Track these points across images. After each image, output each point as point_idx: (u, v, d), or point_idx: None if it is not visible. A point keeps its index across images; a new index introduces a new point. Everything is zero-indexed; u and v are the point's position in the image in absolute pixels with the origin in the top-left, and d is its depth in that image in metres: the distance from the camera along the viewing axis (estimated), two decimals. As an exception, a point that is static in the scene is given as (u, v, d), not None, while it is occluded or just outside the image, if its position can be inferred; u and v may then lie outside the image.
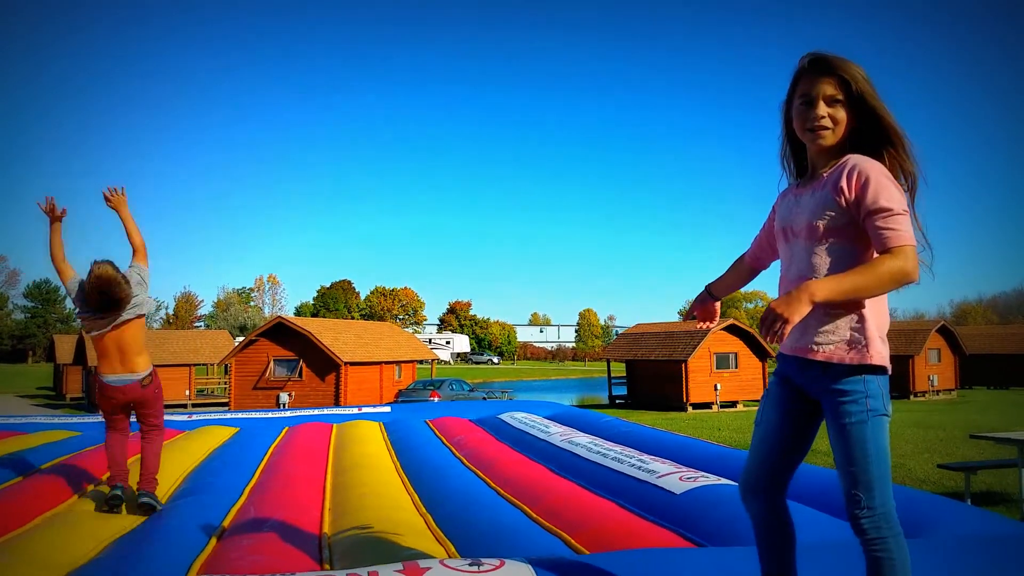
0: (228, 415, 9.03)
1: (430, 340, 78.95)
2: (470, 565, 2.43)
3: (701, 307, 2.66)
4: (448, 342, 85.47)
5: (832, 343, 1.99)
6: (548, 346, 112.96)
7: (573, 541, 3.53)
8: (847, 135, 2.08)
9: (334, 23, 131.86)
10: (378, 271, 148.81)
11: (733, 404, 31.94)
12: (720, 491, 3.83)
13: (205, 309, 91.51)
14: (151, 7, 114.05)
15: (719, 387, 31.33)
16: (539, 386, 55.96)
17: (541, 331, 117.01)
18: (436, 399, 25.78)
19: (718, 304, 2.66)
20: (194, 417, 8.80)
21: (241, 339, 35.02)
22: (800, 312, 1.84)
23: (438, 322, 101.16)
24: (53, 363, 46.37)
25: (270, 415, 9.12)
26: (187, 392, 37.32)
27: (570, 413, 8.30)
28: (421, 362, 37.28)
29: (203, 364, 38.94)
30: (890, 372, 2.00)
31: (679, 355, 30.98)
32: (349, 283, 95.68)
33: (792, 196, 2.18)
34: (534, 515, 4.06)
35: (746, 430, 19.83)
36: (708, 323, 2.70)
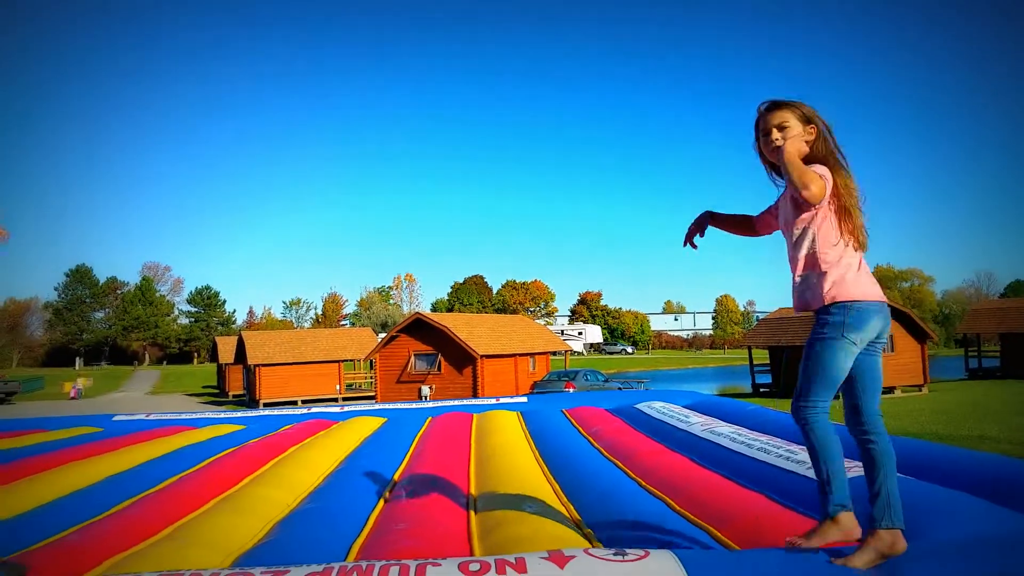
0: (376, 407, 9.48)
1: (562, 331, 79.17)
2: (615, 555, 2.43)
3: (698, 226, 3.12)
4: (580, 333, 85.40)
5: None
6: (683, 334, 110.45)
7: (719, 534, 3.45)
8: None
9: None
10: (509, 265, 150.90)
11: (891, 390, 29.99)
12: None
13: (349, 308, 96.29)
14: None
15: None
16: (676, 375, 54.88)
17: (676, 319, 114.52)
18: (571, 390, 25.87)
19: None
20: (346, 409, 9.31)
21: (383, 335, 36.56)
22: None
23: (569, 313, 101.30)
24: (216, 363, 50.18)
25: (414, 406, 9.48)
26: (337, 387, 39.42)
27: (710, 402, 8.09)
28: (555, 353, 37.50)
29: (350, 360, 40.97)
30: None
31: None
32: (481, 278, 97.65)
33: (783, 199, 2.81)
34: (677, 507, 4.00)
35: (903, 416, 18.57)
36: (692, 242, 3.13)
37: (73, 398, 46.69)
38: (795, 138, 2.67)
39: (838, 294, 2.58)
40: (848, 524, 2.57)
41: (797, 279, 2.70)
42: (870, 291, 2.61)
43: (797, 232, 2.69)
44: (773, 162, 2.78)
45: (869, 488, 2.57)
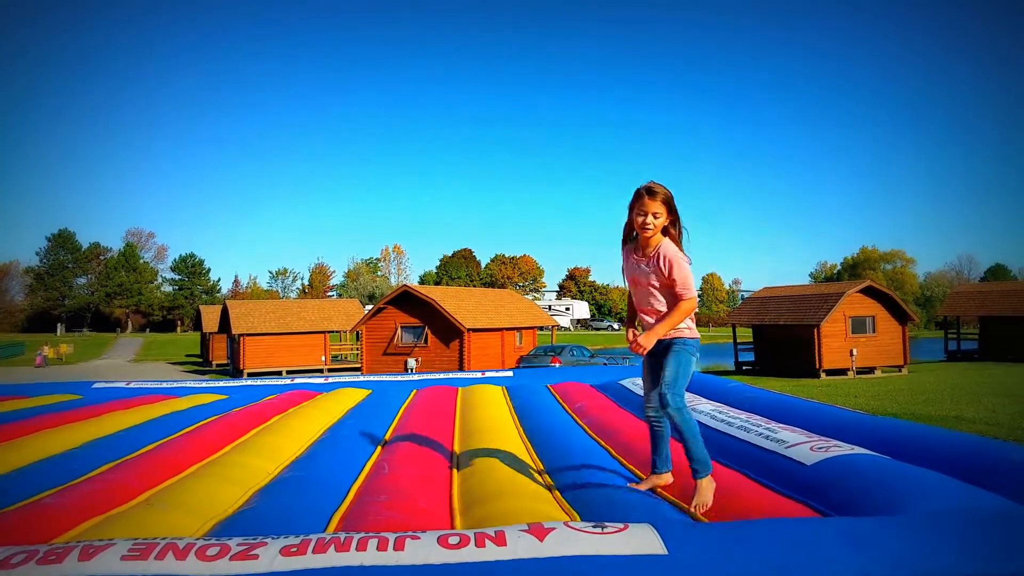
0: (361, 378, 9.47)
1: (549, 307, 79.35)
2: (594, 527, 2.44)
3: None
4: (568, 308, 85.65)
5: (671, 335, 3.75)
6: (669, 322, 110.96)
7: (697, 512, 3.49)
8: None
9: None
10: (498, 239, 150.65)
11: (871, 370, 30.34)
12: (855, 461, 3.63)
13: (337, 279, 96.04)
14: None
15: (855, 352, 29.79)
16: (661, 352, 55.10)
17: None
18: (557, 365, 25.97)
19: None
20: (330, 380, 9.29)
21: (370, 307, 36.49)
22: (651, 344, 3.66)
23: (557, 288, 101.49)
24: (200, 332, 49.94)
25: (400, 378, 9.48)
26: (322, 357, 39.39)
27: (693, 379, 8.11)
28: (541, 328, 37.60)
29: (336, 331, 40.91)
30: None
31: (811, 319, 29.69)
32: (470, 252, 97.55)
33: (634, 260, 3.78)
34: (657, 481, 4.02)
35: (883, 396, 18.82)
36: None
37: (39, 366, 44.62)
38: (665, 229, 3.67)
39: (690, 332, 3.77)
40: (668, 478, 3.90)
41: (653, 320, 3.72)
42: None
43: (656, 292, 3.71)
44: (635, 229, 3.70)
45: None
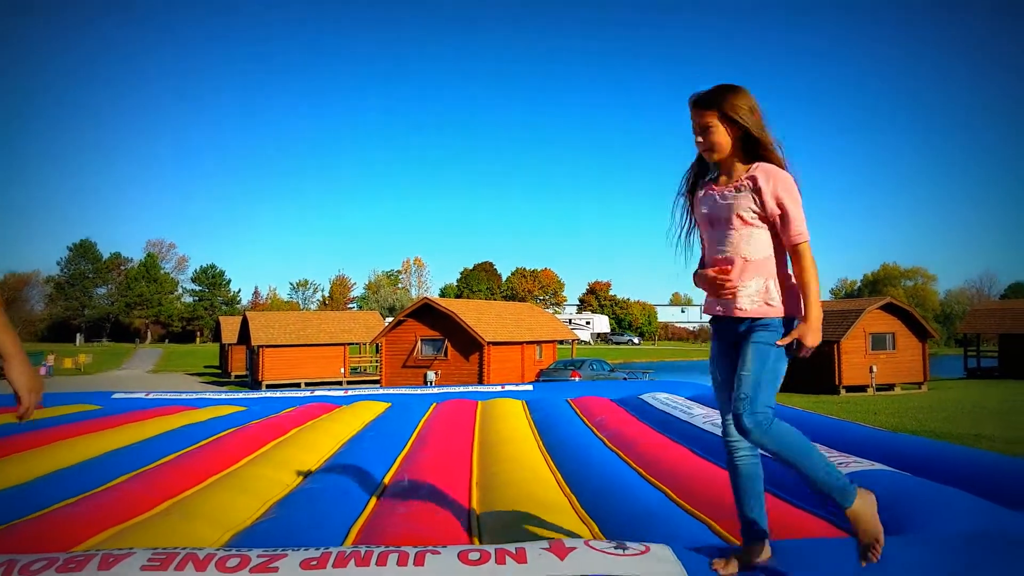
0: (380, 391, 9.48)
1: (570, 320, 79.19)
2: (615, 548, 2.41)
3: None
4: (588, 322, 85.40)
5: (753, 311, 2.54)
6: (690, 326, 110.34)
7: (718, 527, 3.43)
8: (737, 143, 2.56)
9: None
10: (519, 253, 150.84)
11: (891, 387, 29.95)
12: (875, 477, 3.58)
13: (357, 291, 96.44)
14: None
15: (875, 369, 29.43)
16: (681, 367, 54.84)
17: (683, 311, 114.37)
18: (577, 379, 25.86)
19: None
20: (349, 393, 9.31)
21: (390, 319, 36.58)
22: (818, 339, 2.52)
23: (578, 302, 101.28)
24: (219, 343, 50.21)
25: (419, 391, 9.48)
26: (342, 370, 39.48)
27: (708, 396, 8.07)
28: (561, 342, 37.50)
29: (356, 343, 40.96)
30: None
31: (831, 335, 29.36)
32: (491, 265, 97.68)
33: (714, 193, 2.60)
34: (677, 498, 3.98)
35: (904, 414, 18.55)
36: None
37: (43, 376, 44.28)
38: (748, 146, 2.56)
39: (776, 307, 2.59)
40: (764, 552, 2.55)
41: (735, 279, 2.55)
42: None
43: (746, 232, 2.55)
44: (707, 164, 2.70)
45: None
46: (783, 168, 2.52)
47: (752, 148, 2.54)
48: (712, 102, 2.52)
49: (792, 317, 2.52)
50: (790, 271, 2.55)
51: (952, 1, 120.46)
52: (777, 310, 2.51)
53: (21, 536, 3.13)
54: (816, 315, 2.47)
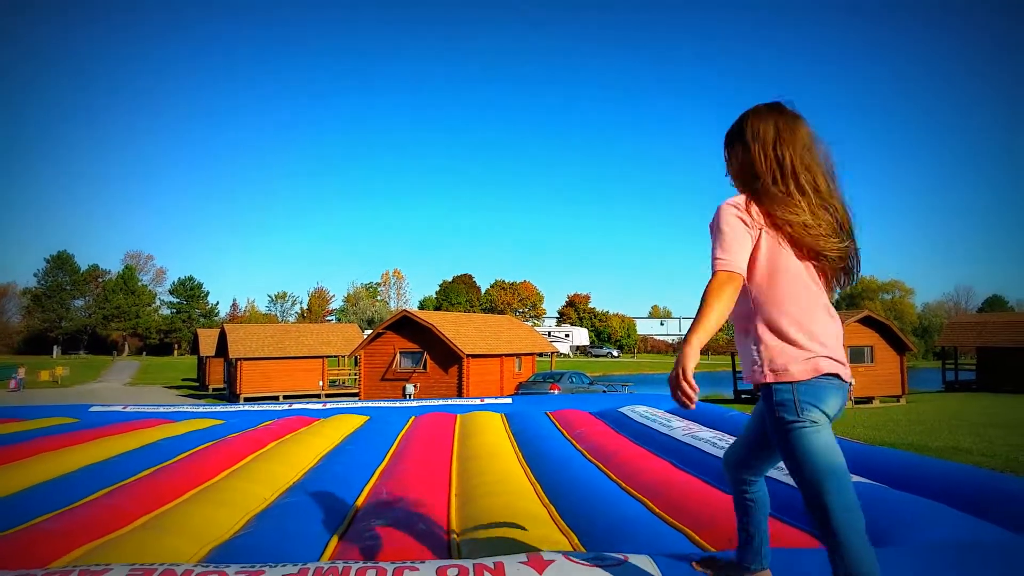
0: (359, 404, 9.44)
1: (549, 333, 79.23)
2: (593, 560, 2.43)
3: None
4: (567, 335, 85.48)
5: (749, 369, 2.22)
6: (669, 339, 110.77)
7: (698, 538, 3.46)
8: (739, 175, 2.33)
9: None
10: (498, 265, 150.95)
11: (869, 400, 30.24)
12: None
13: (336, 304, 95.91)
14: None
15: (853, 382, 29.68)
16: (660, 380, 55.02)
17: (662, 323, 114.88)
18: (556, 392, 25.87)
19: None
20: (328, 406, 9.26)
21: (369, 332, 36.41)
22: (680, 367, 2.05)
23: (557, 315, 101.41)
24: (197, 355, 49.72)
25: (398, 405, 9.45)
26: (320, 382, 39.20)
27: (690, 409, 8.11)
28: (541, 355, 37.51)
29: (334, 356, 40.73)
30: (800, 380, 2.10)
31: (808, 349, 29.58)
32: (470, 277, 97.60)
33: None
34: (657, 510, 4.01)
35: (881, 426, 18.73)
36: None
37: (13, 390, 41.78)
38: (748, 178, 2.30)
39: (787, 366, 2.20)
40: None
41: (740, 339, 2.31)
42: None
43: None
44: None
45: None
46: (779, 202, 2.17)
47: (749, 180, 2.28)
48: (729, 133, 2.36)
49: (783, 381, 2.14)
50: (783, 324, 2.16)
51: (923, 16, 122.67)
52: (762, 374, 2.17)
53: (-3, 551, 3.09)
54: (685, 348, 2.08)
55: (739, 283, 2.13)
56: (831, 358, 2.13)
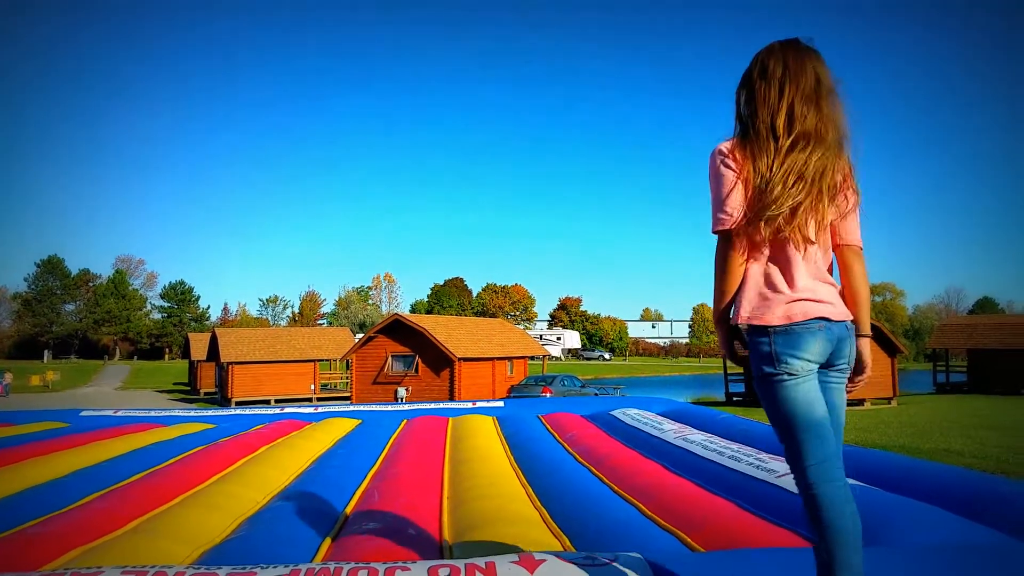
0: (351, 408, 9.43)
1: (541, 336, 79.26)
2: (584, 559, 2.44)
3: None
4: (559, 338, 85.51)
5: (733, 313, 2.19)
6: (661, 342, 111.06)
7: (689, 539, 3.48)
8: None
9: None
10: (489, 268, 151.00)
11: (860, 402, 30.38)
12: (844, 492, 3.66)
13: (327, 307, 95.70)
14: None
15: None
16: (652, 383, 55.16)
17: (653, 327, 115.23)
18: (548, 395, 25.89)
19: None
20: (320, 409, 9.25)
21: (361, 336, 36.34)
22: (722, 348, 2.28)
23: (549, 318, 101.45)
24: (188, 360, 49.55)
25: (390, 408, 9.44)
26: (312, 386, 39.11)
27: (684, 410, 8.15)
28: (532, 358, 37.52)
29: (326, 360, 40.62)
30: (771, 327, 2.06)
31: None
32: (461, 280, 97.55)
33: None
34: (648, 512, 4.03)
35: (874, 429, 18.81)
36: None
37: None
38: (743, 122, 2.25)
39: (755, 312, 2.14)
40: None
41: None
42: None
43: None
44: None
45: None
46: (756, 147, 2.11)
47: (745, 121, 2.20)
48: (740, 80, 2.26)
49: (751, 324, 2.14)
50: (763, 269, 2.14)
51: (922, 17, 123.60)
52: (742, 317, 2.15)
53: (-13, 556, 3.08)
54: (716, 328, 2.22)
55: (737, 239, 2.11)
56: (811, 299, 2.08)
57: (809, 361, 2.06)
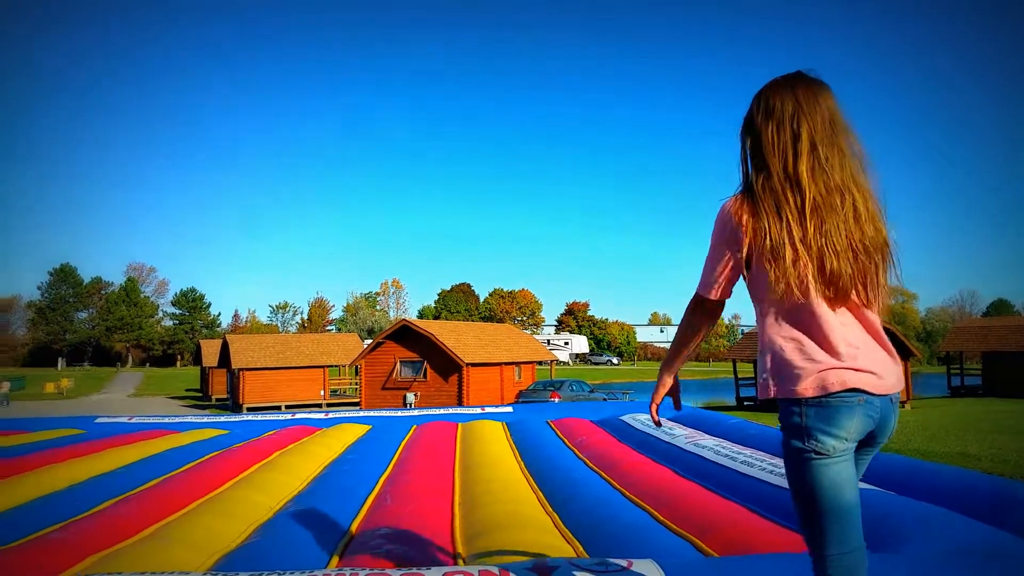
0: (361, 413, 9.46)
1: (548, 341, 79.19)
2: (597, 565, 2.45)
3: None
4: (566, 343, 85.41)
5: (758, 383, 1.93)
6: (669, 346, 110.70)
7: (702, 544, 3.48)
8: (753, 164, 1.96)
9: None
10: (496, 274, 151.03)
11: (872, 407, 30.20)
12: (860, 496, 3.64)
13: (336, 313, 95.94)
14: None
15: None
16: (661, 387, 54.86)
17: (661, 331, 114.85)
18: (556, 400, 25.85)
19: None
20: (330, 415, 9.28)
21: (369, 342, 36.41)
22: (656, 391, 2.13)
23: (556, 323, 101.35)
24: (200, 366, 49.77)
25: (400, 414, 9.47)
26: (321, 392, 39.21)
27: (695, 415, 8.13)
28: (540, 363, 37.48)
29: (335, 365, 40.72)
30: (803, 398, 1.78)
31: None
32: (468, 286, 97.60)
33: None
34: (660, 517, 4.02)
35: (886, 434, 18.68)
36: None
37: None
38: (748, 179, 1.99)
39: (782, 384, 1.87)
40: None
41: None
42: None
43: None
44: None
45: None
46: (765, 203, 1.82)
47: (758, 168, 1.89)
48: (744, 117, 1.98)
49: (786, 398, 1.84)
50: (777, 336, 1.87)
51: (931, 18, 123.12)
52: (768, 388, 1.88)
53: (7, 563, 3.11)
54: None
55: (709, 307, 1.97)
56: (849, 368, 1.78)
57: (845, 440, 1.79)
